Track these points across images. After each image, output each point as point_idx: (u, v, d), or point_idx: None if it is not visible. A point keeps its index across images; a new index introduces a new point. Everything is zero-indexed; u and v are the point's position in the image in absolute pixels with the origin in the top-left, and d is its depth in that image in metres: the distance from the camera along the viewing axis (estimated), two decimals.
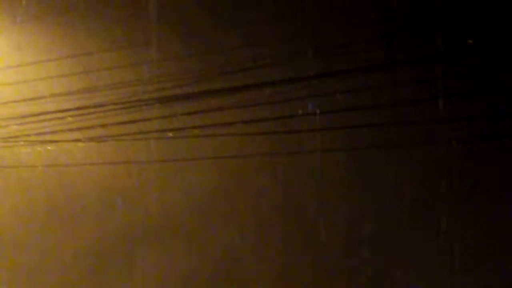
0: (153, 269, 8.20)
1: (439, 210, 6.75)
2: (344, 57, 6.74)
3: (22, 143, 8.72)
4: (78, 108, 8.29)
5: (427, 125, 6.55)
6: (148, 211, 8.22)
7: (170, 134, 7.84)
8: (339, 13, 7.23)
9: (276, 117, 7.19)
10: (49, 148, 8.61)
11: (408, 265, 6.87)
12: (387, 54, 6.82)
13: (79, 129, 8.32)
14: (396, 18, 6.67)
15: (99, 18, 8.34)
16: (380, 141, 6.75)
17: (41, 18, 8.60)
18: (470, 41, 6.12)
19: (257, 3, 7.71)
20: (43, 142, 8.61)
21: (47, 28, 8.65)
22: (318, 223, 7.31)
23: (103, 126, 8.17)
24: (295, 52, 7.41)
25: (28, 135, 8.64)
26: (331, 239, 7.25)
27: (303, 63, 7.31)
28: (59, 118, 8.42)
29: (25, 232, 8.99)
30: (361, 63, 6.62)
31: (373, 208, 7.06)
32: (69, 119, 8.33)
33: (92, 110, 8.19)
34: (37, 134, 8.60)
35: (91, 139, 8.29)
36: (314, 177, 7.40)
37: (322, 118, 7.06)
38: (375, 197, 7.05)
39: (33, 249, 8.92)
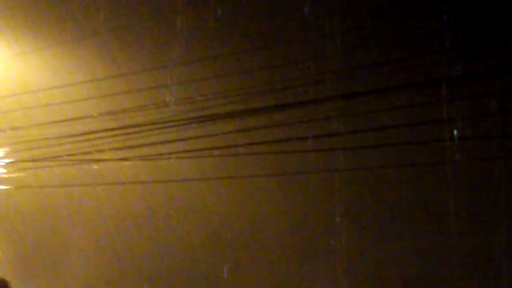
0: None
1: None
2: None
3: (68, 162, 8.81)
4: (123, 127, 8.36)
5: None
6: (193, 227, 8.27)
7: (216, 152, 7.87)
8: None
9: (331, 134, 7.18)
10: (94, 167, 8.69)
11: None
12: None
13: (125, 148, 8.38)
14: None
15: (142, 39, 8.44)
16: None
17: (86, 38, 8.72)
18: None
19: (296, 23, 7.76)
20: (88, 161, 8.69)
21: (92, 49, 8.76)
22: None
23: (148, 145, 8.23)
24: (339, 69, 7.43)
25: (74, 154, 8.72)
26: None
27: (349, 81, 7.31)
28: (104, 138, 8.50)
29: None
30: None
31: None
32: (115, 138, 8.40)
33: (137, 129, 8.25)
34: (82, 153, 8.67)
35: (137, 158, 8.35)
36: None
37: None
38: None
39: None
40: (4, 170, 9.24)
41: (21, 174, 9.19)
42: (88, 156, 8.63)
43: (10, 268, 9.54)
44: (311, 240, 7.66)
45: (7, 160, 9.22)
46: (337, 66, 7.21)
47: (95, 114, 8.59)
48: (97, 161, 8.58)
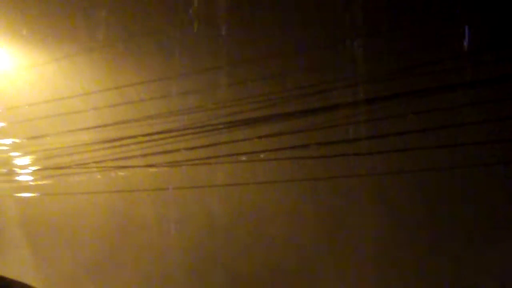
0: None
1: None
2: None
3: (94, 169, 8.85)
4: (150, 134, 8.39)
5: None
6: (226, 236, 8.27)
7: (243, 158, 7.87)
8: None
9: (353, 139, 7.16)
10: (121, 173, 8.72)
11: None
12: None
13: (151, 154, 8.40)
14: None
15: (170, 44, 8.45)
16: None
17: (113, 44, 8.75)
18: None
19: (324, 27, 7.75)
20: (115, 167, 8.72)
21: (121, 54, 8.78)
22: None
23: (175, 151, 8.25)
24: (364, 74, 7.42)
25: (101, 161, 8.76)
26: None
27: (373, 86, 7.30)
28: (130, 144, 8.53)
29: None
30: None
31: None
32: (141, 144, 8.43)
33: (164, 135, 8.28)
34: (109, 160, 8.70)
35: (163, 164, 8.37)
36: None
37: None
38: None
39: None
40: (31, 178, 9.30)
41: (48, 182, 9.24)
42: (115, 163, 8.67)
43: (38, 275, 9.58)
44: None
45: (34, 168, 9.28)
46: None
47: (121, 121, 8.62)
48: (124, 167, 8.61)
